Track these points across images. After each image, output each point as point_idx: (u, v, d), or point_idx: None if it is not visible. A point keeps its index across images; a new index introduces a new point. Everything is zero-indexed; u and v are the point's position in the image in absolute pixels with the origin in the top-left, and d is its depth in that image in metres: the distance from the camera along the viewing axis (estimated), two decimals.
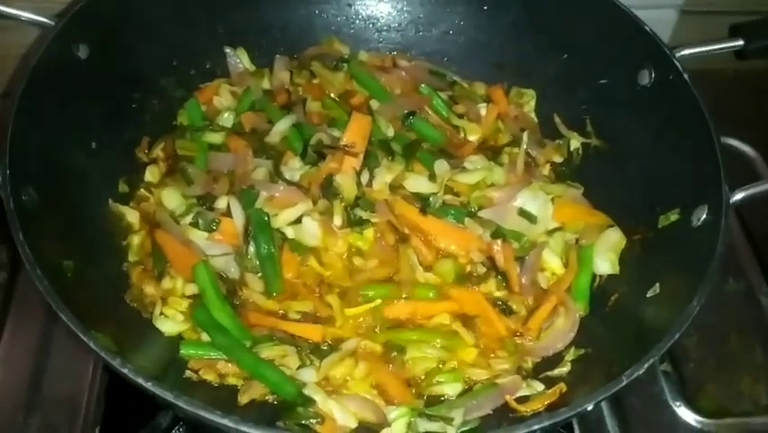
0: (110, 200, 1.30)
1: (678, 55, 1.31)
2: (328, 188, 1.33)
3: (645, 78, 1.35)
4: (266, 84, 1.52)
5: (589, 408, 0.98)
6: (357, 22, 1.60)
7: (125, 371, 0.91)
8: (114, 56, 1.34)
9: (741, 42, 1.32)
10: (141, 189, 1.35)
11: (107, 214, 1.29)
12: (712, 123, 1.21)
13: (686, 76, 1.27)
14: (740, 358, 1.42)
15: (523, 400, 1.12)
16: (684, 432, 1.32)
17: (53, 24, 1.25)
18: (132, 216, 1.31)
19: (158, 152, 1.40)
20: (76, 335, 0.97)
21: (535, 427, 0.90)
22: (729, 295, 1.50)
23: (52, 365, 1.31)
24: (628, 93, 1.38)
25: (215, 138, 1.41)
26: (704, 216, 1.17)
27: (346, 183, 1.34)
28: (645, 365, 0.96)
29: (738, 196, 1.17)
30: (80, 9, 1.27)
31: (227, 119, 1.45)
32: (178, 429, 1.21)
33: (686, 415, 1.33)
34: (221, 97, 1.48)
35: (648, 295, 1.19)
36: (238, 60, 1.53)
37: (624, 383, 0.95)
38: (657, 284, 1.19)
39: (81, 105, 1.28)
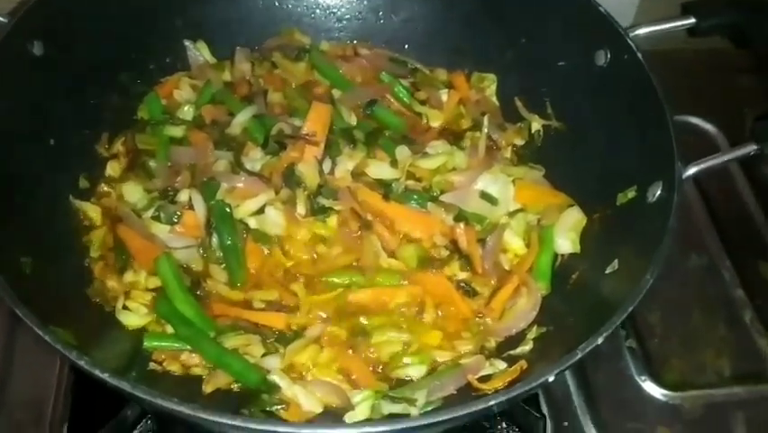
0: (70, 196, 1.30)
1: (632, 34, 1.32)
2: (290, 178, 1.33)
3: (602, 58, 1.36)
4: (227, 76, 1.52)
5: (551, 379, 0.99)
6: (317, 11, 1.60)
7: (82, 363, 0.91)
8: (71, 52, 1.33)
9: (693, 20, 1.33)
10: (102, 185, 1.35)
11: (68, 210, 1.29)
12: (665, 100, 1.23)
13: (639, 55, 1.28)
14: (703, 332, 1.44)
15: (486, 379, 1.13)
16: (650, 405, 1.34)
17: (6, 22, 1.24)
18: (93, 211, 1.30)
19: (118, 146, 1.40)
20: (34, 331, 0.97)
21: (492, 402, 0.92)
22: (692, 270, 1.52)
23: (18, 364, 1.30)
24: (586, 74, 1.39)
25: (176, 132, 1.41)
26: (659, 192, 1.18)
27: (308, 172, 1.34)
28: (600, 339, 0.98)
29: (692, 170, 1.18)
30: (34, 5, 1.26)
31: (187, 112, 1.44)
32: (146, 422, 1.20)
33: (651, 389, 1.36)
34: (181, 91, 1.48)
35: (607, 271, 1.20)
36: (198, 53, 1.53)
37: (579, 356, 0.96)
38: (616, 260, 1.20)
39: (38, 102, 1.28)
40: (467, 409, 0.89)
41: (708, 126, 1.74)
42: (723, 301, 1.48)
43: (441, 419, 0.92)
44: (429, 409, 1.10)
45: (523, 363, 1.12)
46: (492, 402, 0.91)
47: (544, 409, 1.30)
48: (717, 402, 1.36)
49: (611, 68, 1.35)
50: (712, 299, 1.49)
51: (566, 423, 1.31)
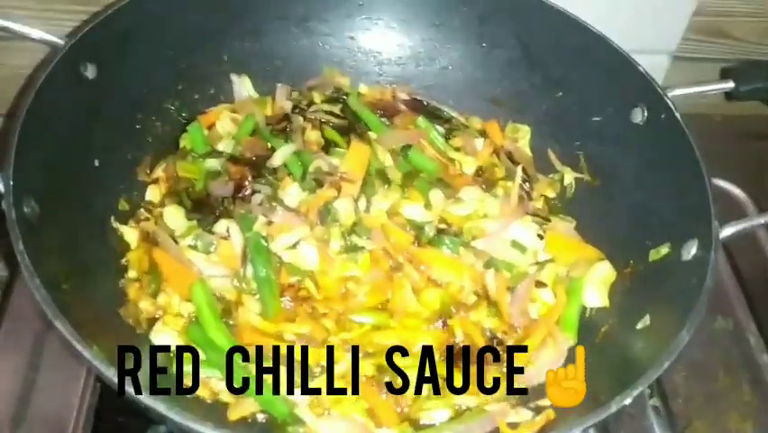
0: (112, 217, 1.32)
1: (670, 95, 1.34)
2: (326, 215, 1.35)
3: (638, 116, 1.39)
4: (267, 111, 1.55)
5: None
6: (359, 54, 1.64)
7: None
8: (121, 77, 1.37)
9: (732, 84, 1.36)
10: (142, 209, 1.36)
11: (107, 230, 1.30)
12: (703, 159, 1.24)
13: (677, 114, 1.31)
14: (728, 395, 1.44)
15: (511, 426, 1.13)
16: None
17: (63, 43, 1.28)
18: (130, 234, 1.32)
19: (159, 172, 1.42)
20: (70, 346, 0.97)
21: None
22: (718, 333, 1.52)
23: (42, 380, 1.31)
24: (621, 130, 1.41)
25: (215, 164, 1.42)
26: (694, 251, 1.19)
27: (344, 210, 1.35)
28: (634, 393, 0.97)
29: (727, 231, 1.19)
30: (91, 29, 1.29)
31: (227, 145, 1.47)
32: None
33: None
34: (222, 123, 1.50)
35: (638, 327, 1.21)
36: (242, 88, 1.56)
37: (612, 410, 0.95)
38: (647, 316, 1.20)
39: (86, 123, 1.31)
40: None
41: (736, 190, 1.75)
42: (748, 365, 1.47)
43: None
44: None
45: (550, 413, 1.11)
46: None
47: None
48: None
49: (648, 125, 1.37)
50: (737, 362, 1.48)
51: None
